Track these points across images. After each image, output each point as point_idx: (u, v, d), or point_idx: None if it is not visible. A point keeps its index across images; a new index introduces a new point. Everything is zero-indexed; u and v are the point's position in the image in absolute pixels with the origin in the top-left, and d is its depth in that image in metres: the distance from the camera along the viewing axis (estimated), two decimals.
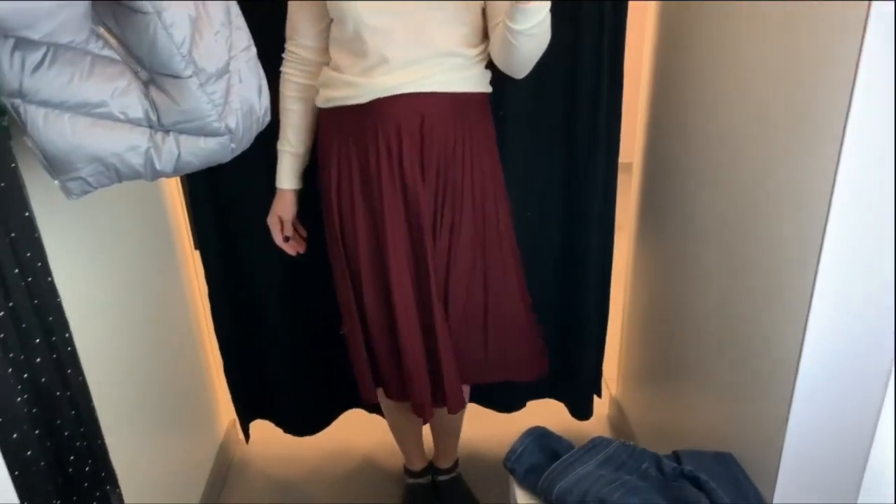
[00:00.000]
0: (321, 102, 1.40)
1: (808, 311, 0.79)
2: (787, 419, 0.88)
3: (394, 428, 1.78)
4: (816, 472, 0.91)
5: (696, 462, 1.22)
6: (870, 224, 0.76)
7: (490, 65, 1.39)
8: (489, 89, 1.42)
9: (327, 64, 1.40)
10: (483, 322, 1.45)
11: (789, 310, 1.06)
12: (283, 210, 1.51)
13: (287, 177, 1.49)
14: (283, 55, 1.43)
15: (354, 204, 1.38)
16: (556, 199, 1.76)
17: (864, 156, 0.83)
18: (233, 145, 1.04)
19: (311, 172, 1.51)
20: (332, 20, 1.35)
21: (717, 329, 1.36)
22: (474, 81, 1.37)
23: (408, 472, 1.85)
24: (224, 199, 1.69)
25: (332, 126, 1.40)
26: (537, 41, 1.24)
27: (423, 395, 1.44)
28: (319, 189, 1.45)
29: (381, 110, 1.32)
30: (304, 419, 1.97)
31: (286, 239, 1.54)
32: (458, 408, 1.46)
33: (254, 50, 1.08)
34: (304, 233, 1.58)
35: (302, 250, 1.57)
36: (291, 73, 1.43)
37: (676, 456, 1.25)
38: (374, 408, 1.94)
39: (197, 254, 1.80)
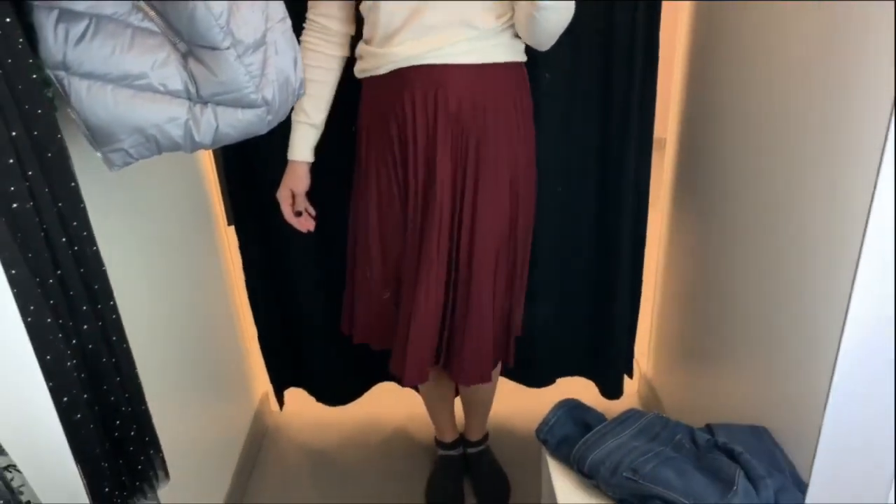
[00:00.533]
0: (357, 73, 1.41)
1: (852, 288, 0.77)
2: (826, 395, 0.87)
3: (426, 399, 1.80)
4: (854, 451, 0.90)
5: (730, 435, 1.22)
6: None
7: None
8: (521, 58, 1.38)
9: (352, 35, 1.41)
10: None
11: (832, 286, 1.05)
12: (295, 183, 1.49)
13: (301, 148, 1.46)
14: (304, 24, 1.41)
15: (380, 174, 1.40)
16: (589, 175, 1.74)
17: None
18: (269, 117, 1.05)
19: (325, 146, 1.51)
20: None
21: (753, 306, 1.34)
22: (500, 51, 1.33)
23: (439, 443, 1.88)
24: (258, 170, 1.71)
25: (365, 97, 1.42)
26: (560, 15, 1.23)
27: (425, 355, 1.42)
28: (357, 149, 1.47)
29: (398, 81, 1.32)
30: (337, 389, 2.00)
31: (298, 214, 1.52)
32: (473, 380, 1.45)
33: (289, 21, 1.08)
34: (313, 211, 1.55)
35: (312, 227, 1.54)
36: (312, 42, 1.40)
37: (710, 429, 1.25)
38: None
39: (230, 229, 1.83)
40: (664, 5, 1.57)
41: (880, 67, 0.90)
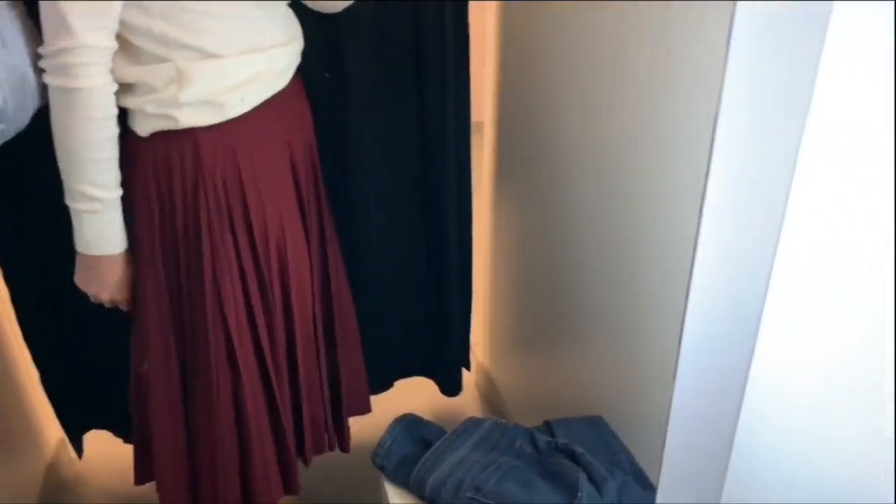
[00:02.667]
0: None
1: (692, 268, 0.74)
2: (673, 377, 0.85)
3: None
4: (700, 430, 0.90)
5: (568, 429, 1.19)
6: (749, 169, 0.72)
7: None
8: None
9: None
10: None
11: (661, 267, 1.04)
12: (123, 276, 1.13)
13: (120, 234, 1.09)
14: (66, 58, 0.90)
15: None
16: (409, 168, 1.65)
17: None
18: (2, 125, 0.83)
19: None
20: None
21: (583, 289, 1.33)
22: None
23: None
24: (22, 198, 1.43)
25: None
26: None
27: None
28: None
29: None
30: None
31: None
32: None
33: (22, 6, 0.87)
34: None
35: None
36: (103, 79, 0.95)
37: (549, 426, 1.22)
38: None
39: None
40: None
41: (698, 43, 0.88)
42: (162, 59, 0.97)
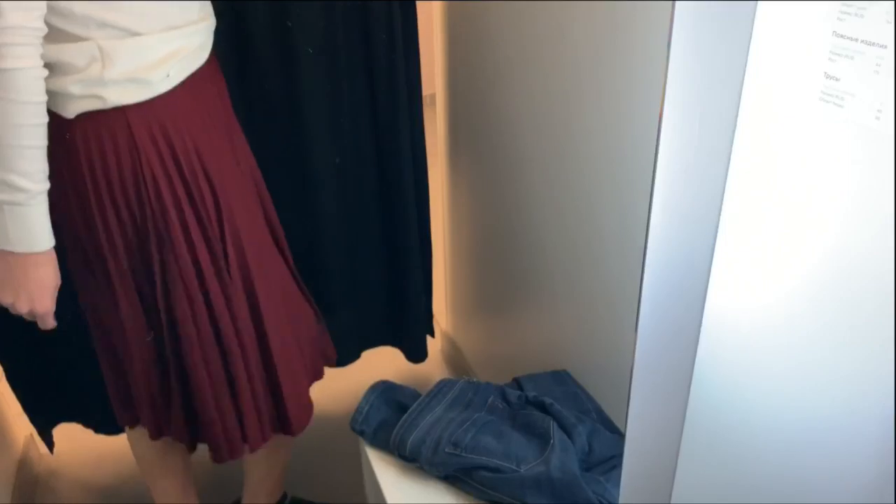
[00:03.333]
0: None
1: (647, 223, 0.79)
2: (635, 327, 0.90)
3: (153, 462, 1.46)
4: (661, 375, 0.96)
5: (536, 385, 1.25)
6: (698, 113, 0.77)
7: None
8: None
9: None
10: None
11: (626, 223, 1.09)
12: (53, 277, 1.06)
13: (47, 229, 1.01)
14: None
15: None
16: (363, 141, 1.67)
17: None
18: None
19: None
20: None
21: (539, 251, 1.38)
22: None
23: None
24: None
25: None
26: None
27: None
28: None
29: None
30: (114, 415, 1.76)
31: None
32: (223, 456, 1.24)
33: None
34: None
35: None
36: (33, 61, 0.92)
37: (518, 382, 1.27)
38: None
39: None
40: None
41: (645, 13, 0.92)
42: (82, 39, 0.96)
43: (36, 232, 0.99)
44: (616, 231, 1.10)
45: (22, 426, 1.75)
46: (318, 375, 1.40)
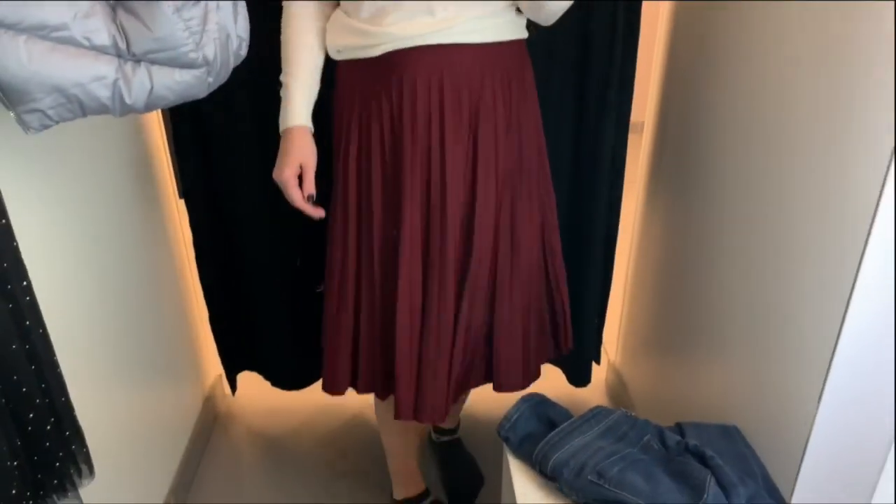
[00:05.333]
0: (332, 52, 1.25)
1: (853, 289, 0.71)
2: (819, 396, 0.81)
3: (388, 447, 1.60)
4: (843, 454, 0.85)
5: (700, 434, 1.16)
6: None
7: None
8: (525, 34, 1.26)
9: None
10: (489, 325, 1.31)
11: (811, 281, 0.98)
12: (303, 154, 1.24)
13: (302, 110, 1.24)
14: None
15: (372, 173, 1.23)
16: (563, 156, 1.67)
17: None
18: (210, 79, 0.94)
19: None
20: None
21: (728, 299, 1.28)
22: (505, 28, 1.20)
23: (398, 502, 1.63)
24: (212, 142, 1.59)
25: (348, 81, 1.24)
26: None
27: (407, 399, 1.29)
28: (335, 149, 1.30)
29: (394, 65, 1.16)
30: (292, 373, 1.91)
31: (309, 198, 1.26)
32: (432, 420, 1.30)
33: None
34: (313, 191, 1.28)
35: (323, 213, 1.29)
36: (301, 7, 1.23)
37: (680, 428, 1.19)
38: None
39: (181, 202, 1.71)
40: None
41: (879, 56, 0.83)
42: None
43: (290, 112, 1.24)
44: (813, 291, 0.99)
45: (214, 365, 1.96)
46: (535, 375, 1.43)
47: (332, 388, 1.37)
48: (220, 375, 2.00)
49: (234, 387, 1.94)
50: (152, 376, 1.56)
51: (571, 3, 1.16)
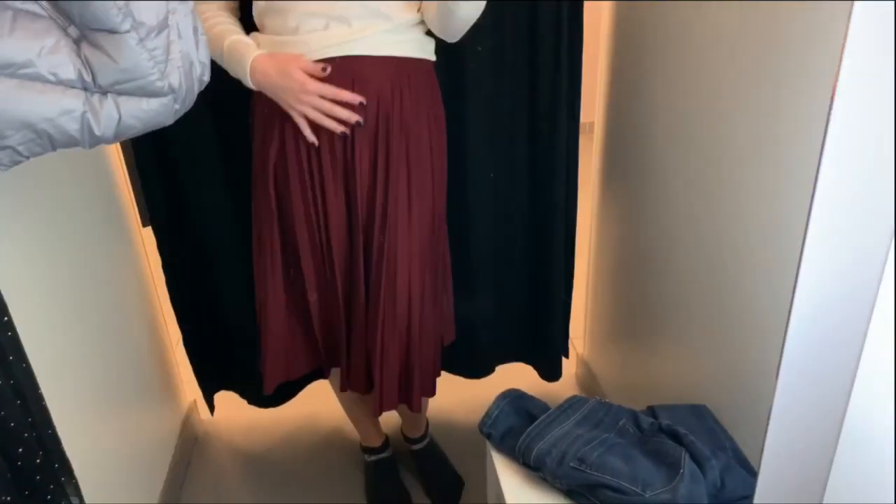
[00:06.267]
0: None
1: (799, 263, 0.76)
2: (777, 369, 0.86)
3: (344, 403, 1.73)
4: (803, 424, 0.90)
5: (672, 415, 1.21)
6: (866, 162, 0.73)
7: (430, 32, 1.31)
8: (432, 57, 1.35)
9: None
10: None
11: (773, 262, 1.05)
12: (294, 61, 1.20)
13: (252, 46, 1.24)
14: None
15: (290, 181, 1.29)
16: (519, 160, 1.71)
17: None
18: (176, 106, 0.96)
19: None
20: None
21: (685, 284, 1.35)
22: (412, 46, 1.28)
23: (365, 449, 1.80)
24: (174, 164, 1.60)
25: (266, 98, 1.28)
26: (475, 4, 1.18)
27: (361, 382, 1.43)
28: (253, 167, 1.35)
29: None
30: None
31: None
32: (357, 390, 1.44)
33: (191, 3, 0.99)
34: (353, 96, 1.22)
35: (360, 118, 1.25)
36: (211, 9, 1.30)
37: (652, 411, 1.24)
38: None
39: (147, 230, 1.70)
40: None
41: (812, 45, 0.89)
42: None
43: (245, 52, 1.23)
44: (763, 271, 1.06)
45: (191, 388, 1.95)
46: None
47: (279, 377, 1.46)
48: (197, 397, 1.99)
49: (212, 407, 1.94)
50: (130, 403, 1.56)
51: (478, 15, 1.22)
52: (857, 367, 0.93)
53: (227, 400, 1.95)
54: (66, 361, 1.24)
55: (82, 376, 1.31)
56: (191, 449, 1.93)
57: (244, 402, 1.93)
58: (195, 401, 2.01)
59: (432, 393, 1.46)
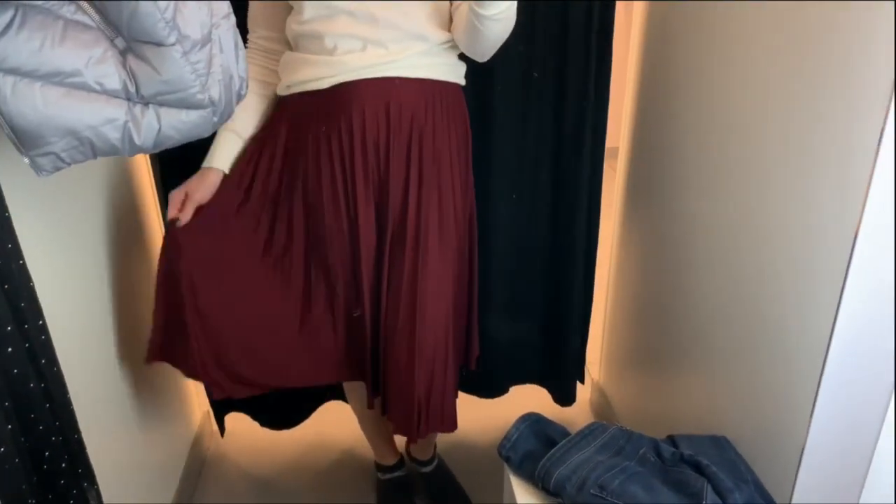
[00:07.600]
0: (282, 90, 1.34)
1: (840, 300, 0.75)
2: (812, 408, 0.85)
3: (360, 418, 1.72)
4: (834, 462, 0.89)
5: (692, 445, 1.20)
6: None
7: (462, 56, 1.34)
8: (462, 81, 1.38)
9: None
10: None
11: (787, 294, 1.04)
12: (199, 190, 1.34)
13: (223, 157, 1.36)
14: (247, 45, 1.35)
15: (323, 195, 1.31)
16: (542, 183, 1.73)
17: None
18: (215, 118, 0.98)
19: None
20: (291, 9, 1.29)
21: (705, 315, 1.34)
22: (444, 70, 1.31)
23: (379, 467, 1.79)
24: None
25: (291, 114, 1.32)
26: (503, 25, 1.21)
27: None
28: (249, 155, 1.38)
29: (344, 95, 1.25)
30: (280, 412, 1.91)
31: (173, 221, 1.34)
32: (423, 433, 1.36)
33: (233, 18, 1.02)
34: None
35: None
36: (255, 68, 1.36)
37: (672, 440, 1.23)
38: None
39: None
40: (617, 17, 1.58)
41: (850, 75, 0.90)
42: None
43: (217, 154, 1.36)
44: (793, 305, 1.05)
45: (202, 406, 1.94)
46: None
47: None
48: (208, 414, 1.98)
49: (222, 429, 1.93)
50: (146, 417, 1.56)
51: (506, 36, 1.25)
52: (886, 411, 0.92)
53: (239, 421, 1.94)
54: (87, 370, 1.24)
55: (103, 386, 1.31)
56: (200, 469, 1.91)
57: (256, 423, 1.92)
58: (207, 419, 2.00)
59: (453, 427, 1.40)
